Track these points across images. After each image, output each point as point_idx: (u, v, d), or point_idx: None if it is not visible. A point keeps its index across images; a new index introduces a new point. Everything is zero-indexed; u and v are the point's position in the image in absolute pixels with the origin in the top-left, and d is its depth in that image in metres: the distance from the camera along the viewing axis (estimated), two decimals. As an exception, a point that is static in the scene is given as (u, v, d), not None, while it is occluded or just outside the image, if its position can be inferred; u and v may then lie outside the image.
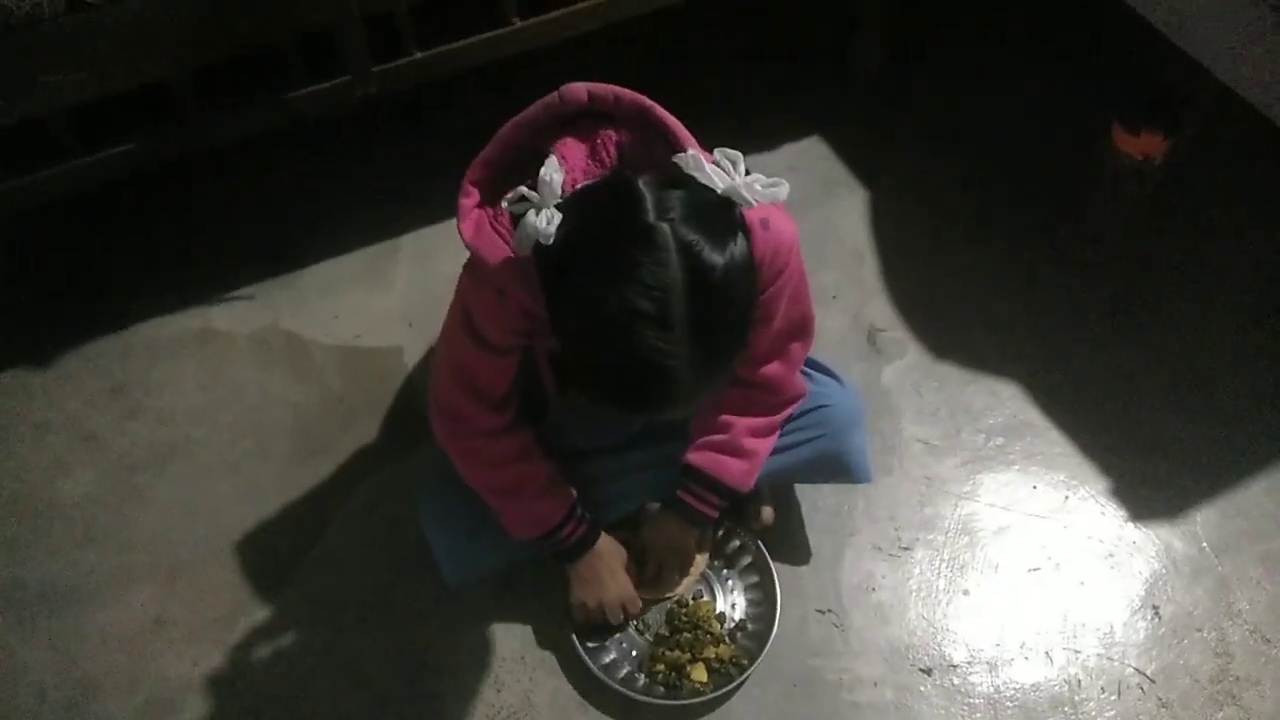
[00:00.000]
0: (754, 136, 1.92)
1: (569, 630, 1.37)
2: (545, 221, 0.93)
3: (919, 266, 1.79)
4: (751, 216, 1.02)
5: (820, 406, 1.35)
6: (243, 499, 1.55)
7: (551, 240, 0.92)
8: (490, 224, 1.05)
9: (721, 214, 0.93)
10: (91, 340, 1.71)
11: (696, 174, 0.93)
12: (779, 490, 1.50)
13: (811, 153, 1.93)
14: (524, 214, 0.95)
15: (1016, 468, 1.57)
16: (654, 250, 0.88)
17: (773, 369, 1.26)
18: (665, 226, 0.89)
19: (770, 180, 0.96)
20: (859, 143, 1.95)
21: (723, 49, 2.07)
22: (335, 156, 1.93)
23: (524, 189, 0.96)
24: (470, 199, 1.06)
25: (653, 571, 1.40)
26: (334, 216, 1.86)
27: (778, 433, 1.32)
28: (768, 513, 1.47)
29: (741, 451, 1.29)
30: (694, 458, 1.29)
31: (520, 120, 1.06)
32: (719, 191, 0.93)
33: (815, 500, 1.52)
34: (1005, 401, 1.63)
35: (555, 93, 1.05)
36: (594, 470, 1.36)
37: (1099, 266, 1.77)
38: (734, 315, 0.95)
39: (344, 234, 1.83)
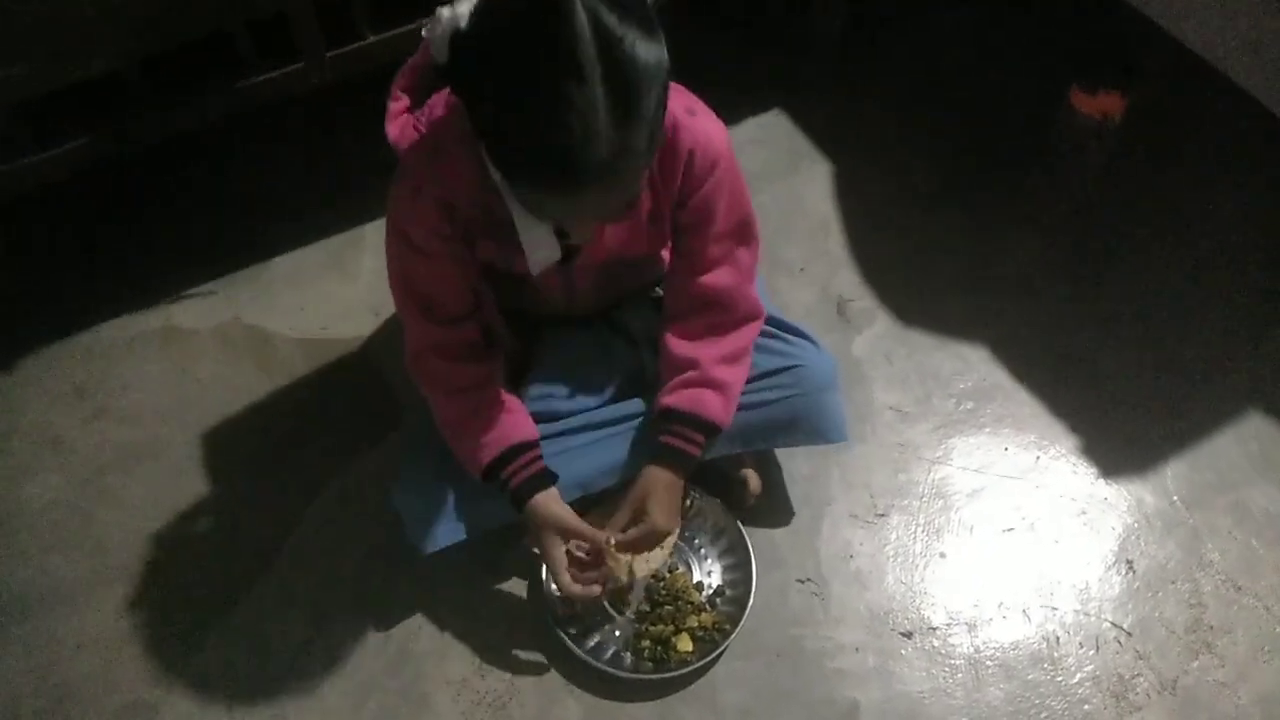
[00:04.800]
0: (716, 109, 1.91)
1: (553, 622, 1.36)
2: (456, 11, 0.97)
3: (885, 235, 1.79)
4: (676, 106, 1.08)
5: (794, 366, 1.36)
6: (214, 496, 1.53)
7: (464, 22, 0.95)
8: (414, 126, 1.11)
9: None
10: (51, 343, 1.68)
11: None
12: (760, 459, 1.50)
13: (774, 126, 1.93)
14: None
15: (988, 430, 1.58)
16: (561, 15, 0.89)
17: (722, 278, 1.26)
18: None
19: None
20: (821, 114, 1.94)
21: (682, 18, 2.06)
22: (295, 147, 1.91)
23: (442, 8, 0.99)
24: (399, 103, 1.13)
25: (637, 533, 1.32)
26: (295, 208, 1.83)
27: (748, 360, 1.32)
28: (755, 480, 1.46)
29: (714, 384, 1.29)
30: (669, 400, 1.29)
31: None
32: None
33: (791, 470, 1.53)
34: (974, 365, 1.64)
35: None
36: (573, 434, 1.36)
37: (1062, 228, 1.78)
38: (642, 65, 0.93)
39: (306, 225, 1.81)
